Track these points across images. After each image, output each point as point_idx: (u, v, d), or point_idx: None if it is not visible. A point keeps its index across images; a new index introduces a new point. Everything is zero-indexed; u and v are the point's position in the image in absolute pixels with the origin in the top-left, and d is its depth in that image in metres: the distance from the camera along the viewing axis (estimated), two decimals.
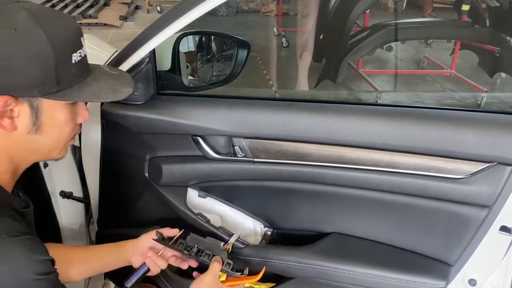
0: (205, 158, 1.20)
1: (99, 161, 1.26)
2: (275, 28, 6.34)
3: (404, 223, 1.21)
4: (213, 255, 1.07)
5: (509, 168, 1.04)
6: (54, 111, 0.77)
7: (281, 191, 1.25)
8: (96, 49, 1.59)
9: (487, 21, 4.21)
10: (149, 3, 7.71)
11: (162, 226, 1.33)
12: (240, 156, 1.18)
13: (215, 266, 1.03)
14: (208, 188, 1.30)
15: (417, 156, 1.09)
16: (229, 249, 1.18)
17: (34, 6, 0.74)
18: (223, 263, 1.06)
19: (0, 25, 0.69)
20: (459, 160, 1.07)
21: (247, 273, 1.07)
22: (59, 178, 1.27)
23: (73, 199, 1.31)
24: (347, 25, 3.86)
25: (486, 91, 4.11)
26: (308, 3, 4.14)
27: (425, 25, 4.66)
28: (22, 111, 0.73)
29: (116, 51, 1.33)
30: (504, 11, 3.97)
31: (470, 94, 4.30)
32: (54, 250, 0.75)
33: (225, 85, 1.32)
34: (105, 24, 6.47)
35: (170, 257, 1.11)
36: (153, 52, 1.10)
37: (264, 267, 1.09)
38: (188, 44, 1.40)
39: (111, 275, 1.42)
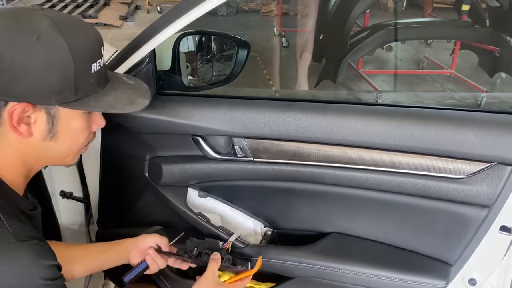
0: (205, 158, 1.20)
1: (99, 161, 1.26)
2: (275, 28, 6.34)
3: (404, 223, 1.21)
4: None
5: (509, 168, 1.04)
6: (71, 119, 0.78)
7: (281, 191, 1.25)
8: None
9: (487, 21, 4.21)
10: (149, 3, 7.71)
11: (163, 226, 1.34)
12: (240, 156, 1.18)
13: (212, 266, 1.03)
14: (208, 188, 1.30)
15: (417, 156, 1.09)
16: (228, 248, 1.18)
17: (58, 15, 0.75)
18: (222, 260, 1.06)
19: (24, 33, 0.70)
20: (459, 160, 1.07)
21: (249, 267, 1.07)
22: (59, 178, 1.27)
23: (73, 199, 1.31)
24: (347, 25, 3.86)
25: (486, 91, 4.11)
26: (308, 3, 4.13)
27: (425, 25, 4.66)
28: (39, 118, 0.74)
29: (116, 51, 1.33)
30: (504, 11, 3.97)
31: (470, 94, 4.30)
32: (55, 248, 0.75)
33: (225, 85, 1.32)
34: (105, 24, 6.47)
35: (169, 258, 1.11)
36: (153, 52, 1.10)
37: (261, 256, 1.09)
38: (188, 44, 1.40)
39: (111, 275, 1.42)
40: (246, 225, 1.33)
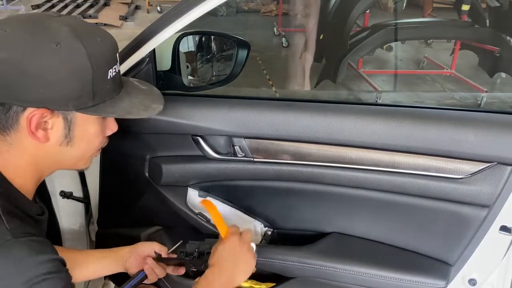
0: (205, 158, 1.20)
1: (99, 161, 1.26)
2: (275, 28, 6.34)
3: (404, 223, 1.21)
4: None
5: (509, 168, 1.04)
6: (87, 125, 0.79)
7: (281, 191, 1.25)
8: None
9: (487, 21, 4.21)
10: (149, 3, 7.72)
11: (163, 226, 1.34)
12: (240, 156, 1.18)
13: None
14: (209, 188, 1.30)
15: (417, 156, 1.09)
16: None
17: (75, 21, 0.76)
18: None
19: (44, 40, 0.70)
20: (459, 160, 1.07)
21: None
22: (59, 178, 1.28)
23: (73, 199, 1.31)
24: (347, 25, 3.86)
25: (486, 91, 4.11)
26: (309, 3, 4.14)
27: (425, 25, 4.67)
28: (56, 123, 0.75)
29: None
30: (504, 11, 3.97)
31: (470, 94, 4.31)
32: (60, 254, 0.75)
33: (225, 85, 1.32)
34: (105, 24, 6.47)
35: (168, 266, 1.11)
36: (153, 52, 1.10)
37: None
38: (188, 44, 1.40)
39: (111, 276, 1.42)
40: (246, 225, 1.33)
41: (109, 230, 1.38)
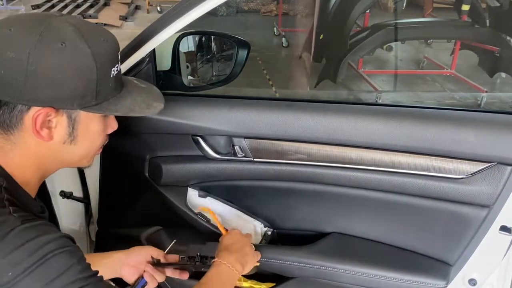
0: (205, 158, 1.20)
1: (99, 161, 1.26)
2: (275, 28, 6.34)
3: (404, 223, 1.21)
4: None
5: (509, 168, 1.04)
6: (90, 123, 0.80)
7: (281, 191, 1.25)
8: None
9: (487, 21, 4.21)
10: (149, 3, 7.71)
11: (163, 226, 1.34)
12: (240, 156, 1.18)
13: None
14: (208, 188, 1.30)
15: (417, 156, 1.09)
16: None
17: (77, 21, 0.77)
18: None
19: (50, 40, 0.71)
20: (459, 160, 1.07)
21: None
22: (59, 178, 1.28)
23: (73, 199, 1.31)
24: (347, 25, 3.86)
25: (486, 91, 4.11)
26: (309, 3, 4.14)
27: (425, 25, 4.67)
28: (60, 122, 0.76)
29: None
30: (504, 11, 3.97)
31: (470, 94, 4.31)
32: None
33: (225, 85, 1.32)
34: (105, 24, 6.46)
35: (167, 270, 1.10)
36: (153, 52, 1.10)
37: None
38: (188, 44, 1.40)
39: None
40: (246, 225, 1.33)
41: (109, 230, 1.38)
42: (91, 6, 7.33)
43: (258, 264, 1.14)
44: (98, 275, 0.72)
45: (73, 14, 6.62)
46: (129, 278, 1.07)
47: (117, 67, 0.80)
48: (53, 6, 7.24)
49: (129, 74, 1.10)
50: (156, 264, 1.08)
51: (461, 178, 1.08)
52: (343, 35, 3.91)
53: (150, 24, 1.12)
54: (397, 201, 1.16)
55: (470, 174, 1.07)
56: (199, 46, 1.46)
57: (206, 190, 1.30)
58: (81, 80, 0.74)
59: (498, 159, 1.04)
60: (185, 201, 1.26)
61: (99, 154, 1.24)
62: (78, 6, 7.28)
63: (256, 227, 1.34)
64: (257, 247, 1.24)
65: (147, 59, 1.10)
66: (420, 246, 1.22)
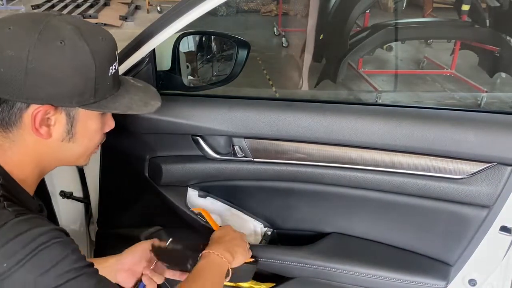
0: (205, 158, 1.20)
1: (99, 161, 1.26)
2: (275, 28, 6.34)
3: (404, 223, 1.21)
4: None
5: (509, 168, 1.04)
6: (88, 121, 0.81)
7: (281, 191, 1.25)
8: None
9: (487, 21, 4.21)
10: (149, 3, 7.71)
11: (162, 226, 1.34)
12: (240, 156, 1.18)
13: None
14: (208, 188, 1.30)
15: (417, 156, 1.09)
16: None
17: (76, 20, 0.78)
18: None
19: (49, 38, 0.72)
20: (459, 160, 1.07)
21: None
22: (59, 178, 1.28)
23: (73, 199, 1.31)
24: (347, 25, 3.86)
25: (486, 91, 4.11)
26: (309, 3, 4.14)
27: (425, 25, 4.67)
28: (59, 120, 0.76)
29: None
30: (504, 11, 3.97)
31: (470, 94, 4.31)
32: None
33: (225, 85, 1.32)
34: (105, 24, 6.46)
35: (166, 271, 1.10)
36: (153, 52, 1.10)
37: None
38: (188, 44, 1.40)
39: None
40: (246, 225, 1.33)
41: (109, 230, 1.38)
42: (91, 6, 7.33)
43: (255, 263, 1.14)
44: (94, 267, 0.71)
45: (73, 14, 6.63)
46: (126, 283, 1.05)
47: (115, 65, 0.81)
48: (53, 6, 7.24)
49: (129, 74, 1.10)
50: (159, 251, 1.06)
51: (461, 179, 1.08)
52: (343, 35, 3.91)
53: (150, 24, 1.12)
54: (397, 201, 1.16)
55: (470, 175, 1.07)
56: (199, 46, 1.46)
57: (206, 190, 1.30)
58: (80, 78, 0.74)
59: (498, 159, 1.04)
60: (185, 201, 1.26)
61: (99, 154, 1.24)
62: (78, 6, 7.28)
63: (256, 227, 1.34)
64: (257, 247, 1.24)
65: (147, 59, 1.10)
66: (420, 246, 1.22)
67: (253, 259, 1.17)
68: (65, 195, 1.28)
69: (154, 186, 1.26)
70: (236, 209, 1.32)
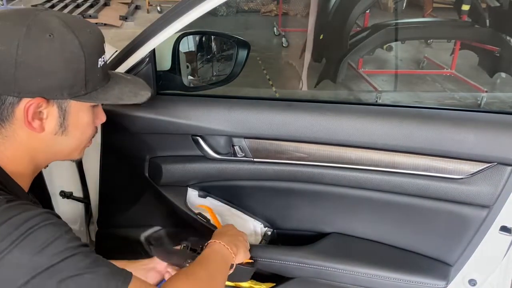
0: (205, 158, 1.20)
1: (99, 161, 1.26)
2: (275, 28, 6.34)
3: (404, 223, 1.21)
4: None
5: (509, 168, 1.04)
6: (79, 113, 0.81)
7: (281, 191, 1.25)
8: None
9: (487, 21, 4.21)
10: (149, 3, 7.71)
11: (162, 226, 1.34)
12: (240, 156, 1.18)
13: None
14: (208, 188, 1.30)
15: (417, 156, 1.09)
16: None
17: (63, 14, 0.79)
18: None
19: (38, 31, 0.73)
20: (459, 160, 1.07)
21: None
22: (59, 178, 1.28)
23: (73, 199, 1.31)
24: (347, 25, 3.86)
25: (486, 91, 4.11)
26: (309, 3, 4.13)
27: (425, 25, 4.66)
28: (51, 113, 0.77)
29: (116, 51, 1.33)
30: (504, 11, 3.96)
31: (470, 94, 4.30)
32: None
33: (225, 85, 1.32)
34: (105, 24, 6.46)
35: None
36: (153, 52, 1.10)
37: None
38: (188, 44, 1.40)
39: None
40: (246, 225, 1.33)
41: (109, 230, 1.38)
42: (91, 6, 7.32)
43: (254, 265, 1.14)
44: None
45: (72, 14, 6.62)
46: (153, 282, 1.06)
47: (103, 58, 0.82)
48: (53, 6, 7.24)
49: (129, 74, 1.10)
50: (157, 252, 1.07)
51: (461, 178, 1.08)
52: (343, 35, 3.91)
53: (150, 24, 1.12)
54: (397, 201, 1.16)
55: (470, 175, 1.07)
56: (199, 46, 1.46)
57: (206, 190, 1.30)
58: (70, 70, 0.75)
59: (498, 159, 1.04)
60: (185, 201, 1.26)
61: (99, 154, 1.24)
62: (78, 6, 7.28)
63: (256, 227, 1.34)
64: (257, 247, 1.24)
65: (147, 59, 1.10)
66: (420, 246, 1.22)
67: (252, 260, 1.16)
68: (65, 195, 1.28)
69: (154, 186, 1.26)
70: (236, 209, 1.32)
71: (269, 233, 1.34)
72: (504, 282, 1.21)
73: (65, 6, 7.23)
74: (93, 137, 0.91)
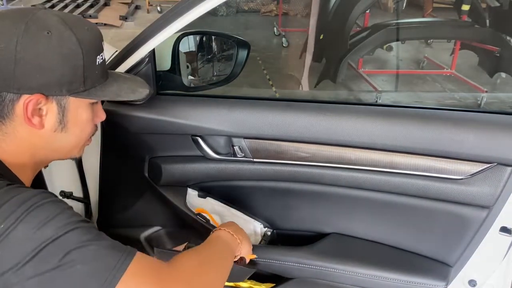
0: (204, 158, 1.20)
1: (99, 161, 1.26)
2: (275, 28, 6.34)
3: (404, 224, 1.21)
4: None
5: (509, 168, 1.04)
6: (78, 110, 0.82)
7: (280, 191, 1.25)
8: None
9: (487, 21, 4.21)
10: (149, 3, 7.71)
11: (162, 226, 1.34)
12: (239, 156, 1.18)
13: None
14: (208, 188, 1.30)
15: (417, 156, 1.09)
16: None
17: (61, 12, 0.81)
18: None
19: (36, 29, 0.74)
20: (459, 161, 1.06)
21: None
22: (59, 178, 1.27)
23: (73, 199, 1.31)
24: (347, 25, 3.86)
25: (486, 91, 4.11)
26: (309, 3, 4.13)
27: (425, 25, 4.66)
28: (50, 109, 0.78)
29: (116, 51, 1.33)
30: (504, 11, 3.96)
31: (470, 94, 4.30)
32: None
33: (225, 85, 1.32)
34: (105, 24, 6.46)
35: None
36: (152, 52, 1.10)
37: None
38: (189, 44, 1.39)
39: None
40: (245, 225, 1.33)
41: (108, 230, 1.37)
42: (91, 6, 7.32)
43: (252, 267, 1.13)
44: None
45: (72, 14, 6.61)
46: None
47: (102, 55, 0.83)
48: (53, 6, 7.24)
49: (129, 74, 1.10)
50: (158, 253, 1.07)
51: (461, 179, 1.08)
52: (343, 35, 3.91)
53: (150, 24, 1.12)
54: (397, 201, 1.16)
55: (470, 175, 1.07)
56: (199, 46, 1.46)
57: (206, 190, 1.30)
58: (68, 67, 0.76)
59: (498, 160, 1.04)
60: (184, 201, 1.26)
61: (99, 154, 1.24)
62: (78, 6, 7.28)
63: (256, 228, 1.34)
64: (257, 248, 1.24)
65: (147, 59, 1.10)
66: (419, 247, 1.22)
67: (255, 257, 1.16)
68: (65, 195, 1.28)
69: (154, 186, 1.25)
70: (236, 209, 1.32)
71: (269, 233, 1.34)
72: (504, 283, 1.20)
73: (65, 6, 7.23)
74: (92, 135, 0.91)
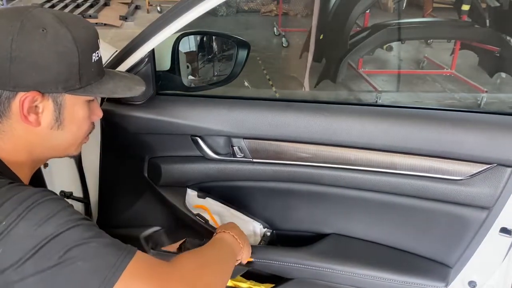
0: (204, 158, 1.20)
1: (99, 161, 1.26)
2: (275, 28, 6.34)
3: (404, 225, 1.21)
4: None
5: (509, 169, 1.04)
6: (75, 107, 0.82)
7: (280, 191, 1.25)
8: None
9: (487, 21, 4.21)
10: (149, 3, 7.71)
11: (161, 227, 1.33)
12: (239, 156, 1.18)
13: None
14: (207, 188, 1.29)
15: (417, 157, 1.08)
16: None
17: (57, 11, 0.81)
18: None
19: (31, 26, 0.74)
20: (459, 161, 1.06)
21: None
22: (59, 178, 1.27)
23: (73, 199, 1.30)
24: (347, 25, 3.86)
25: (486, 91, 4.11)
26: (309, 3, 4.13)
27: (425, 25, 4.66)
28: (46, 107, 0.78)
29: (116, 51, 1.33)
30: (504, 11, 3.96)
31: (470, 94, 4.30)
32: None
33: (225, 85, 1.32)
34: (105, 24, 6.46)
35: None
36: (152, 52, 1.10)
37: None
38: (188, 44, 1.39)
39: None
40: (245, 226, 1.32)
41: (108, 230, 1.37)
42: (91, 6, 7.32)
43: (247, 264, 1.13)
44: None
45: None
46: None
47: (97, 53, 0.83)
48: (53, 6, 7.23)
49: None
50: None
51: (461, 180, 1.07)
52: (343, 35, 3.91)
53: (150, 24, 1.12)
54: (397, 202, 1.16)
55: (470, 176, 1.07)
56: (199, 46, 1.46)
57: (205, 191, 1.30)
58: (64, 64, 0.76)
59: (498, 161, 1.04)
60: (184, 202, 1.26)
61: (99, 154, 1.24)
62: (78, 6, 7.28)
63: (255, 228, 1.34)
64: (256, 248, 1.24)
65: (147, 59, 1.10)
66: (419, 248, 1.22)
67: (252, 259, 1.16)
68: (65, 195, 1.28)
69: (153, 187, 1.25)
70: (235, 209, 1.32)
71: (268, 233, 1.34)
72: (504, 284, 1.20)
73: (65, 6, 7.23)
74: (90, 133, 0.92)
